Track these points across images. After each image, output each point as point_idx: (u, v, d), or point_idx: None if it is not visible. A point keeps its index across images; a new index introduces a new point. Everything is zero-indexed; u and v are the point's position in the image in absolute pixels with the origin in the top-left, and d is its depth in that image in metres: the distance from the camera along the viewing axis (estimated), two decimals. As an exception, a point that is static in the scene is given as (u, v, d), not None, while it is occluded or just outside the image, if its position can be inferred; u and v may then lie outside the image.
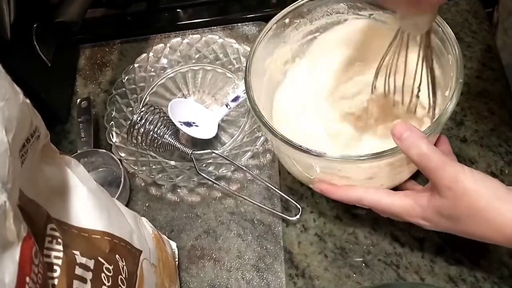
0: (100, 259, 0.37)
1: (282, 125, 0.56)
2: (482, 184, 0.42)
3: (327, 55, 0.60)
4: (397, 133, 0.44)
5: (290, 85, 0.61)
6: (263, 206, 0.60)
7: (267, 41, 0.55)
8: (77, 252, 0.35)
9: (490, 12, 0.75)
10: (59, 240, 0.34)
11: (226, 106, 0.66)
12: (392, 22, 0.57)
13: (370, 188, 0.50)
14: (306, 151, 0.47)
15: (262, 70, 0.57)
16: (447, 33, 0.50)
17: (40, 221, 0.34)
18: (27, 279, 0.29)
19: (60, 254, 0.34)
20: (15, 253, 0.28)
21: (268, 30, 0.55)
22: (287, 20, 0.56)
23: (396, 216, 0.49)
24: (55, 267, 0.33)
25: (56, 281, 0.33)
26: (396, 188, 0.53)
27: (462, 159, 0.60)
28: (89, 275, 0.36)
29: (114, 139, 0.65)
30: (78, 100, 0.70)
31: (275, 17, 0.55)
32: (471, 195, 0.41)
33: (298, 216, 0.59)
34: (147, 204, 0.64)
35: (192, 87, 0.72)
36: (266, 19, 0.56)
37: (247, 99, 0.51)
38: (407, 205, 0.47)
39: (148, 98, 0.70)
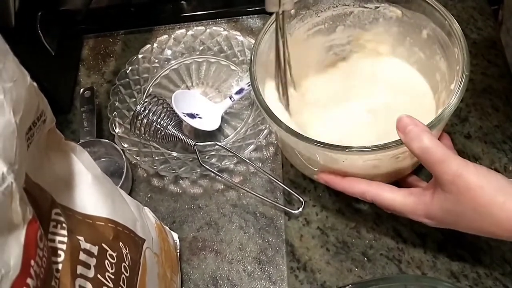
0: (104, 245, 0.37)
1: (286, 116, 0.55)
2: (485, 179, 0.41)
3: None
4: (401, 127, 0.44)
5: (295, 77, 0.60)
6: (265, 199, 0.60)
7: (272, 32, 0.55)
8: (81, 238, 0.35)
9: (495, 9, 0.75)
10: (64, 225, 0.34)
11: (230, 98, 0.66)
12: (397, 16, 0.57)
13: (374, 183, 0.49)
14: (311, 142, 0.46)
15: (268, 61, 0.56)
16: (453, 26, 0.50)
17: (45, 205, 0.34)
18: (32, 262, 0.29)
19: (65, 239, 0.34)
20: (21, 235, 0.28)
21: (274, 21, 0.55)
22: (292, 11, 0.56)
23: (399, 213, 0.49)
24: (59, 252, 0.33)
25: (60, 266, 0.33)
26: (398, 183, 0.53)
27: (466, 155, 0.60)
28: (93, 261, 0.36)
29: (117, 129, 0.65)
30: (81, 90, 0.70)
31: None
32: (474, 190, 0.41)
33: (300, 210, 0.59)
34: (149, 195, 0.63)
35: (196, 79, 0.71)
36: (270, 12, 0.56)
37: (252, 90, 0.51)
38: (410, 203, 0.47)
39: (151, 89, 0.70)
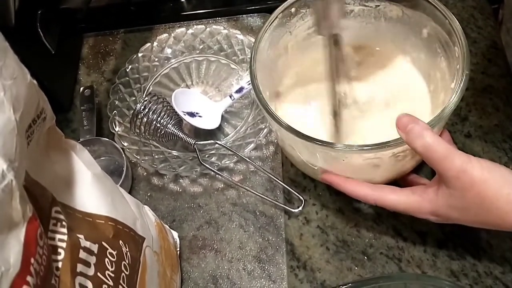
0: (104, 243, 0.37)
1: (286, 115, 0.55)
2: (489, 173, 0.41)
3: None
4: (401, 126, 0.44)
5: (296, 75, 0.60)
6: (265, 197, 0.60)
7: (272, 30, 0.55)
8: (81, 236, 0.35)
9: (496, 8, 0.75)
10: (64, 223, 0.34)
11: (230, 97, 0.66)
12: (398, 14, 0.57)
13: (376, 186, 0.49)
14: (312, 140, 0.46)
15: (267, 60, 0.56)
16: (453, 25, 0.50)
17: (45, 203, 0.34)
18: (32, 260, 0.29)
19: (65, 237, 0.34)
20: (20, 233, 0.28)
21: (274, 19, 0.54)
22: (293, 10, 0.56)
23: (404, 213, 0.49)
24: (59, 250, 0.33)
25: (60, 264, 0.33)
26: (397, 183, 0.53)
27: (466, 154, 0.60)
28: (93, 259, 0.36)
29: (117, 128, 0.65)
30: (81, 89, 0.70)
31: (281, 6, 0.55)
32: (479, 185, 0.41)
33: (300, 208, 0.59)
34: (149, 194, 0.63)
35: (196, 78, 0.71)
36: (271, 11, 0.56)
37: (252, 88, 0.51)
38: (415, 202, 0.47)
39: (151, 88, 0.70)
